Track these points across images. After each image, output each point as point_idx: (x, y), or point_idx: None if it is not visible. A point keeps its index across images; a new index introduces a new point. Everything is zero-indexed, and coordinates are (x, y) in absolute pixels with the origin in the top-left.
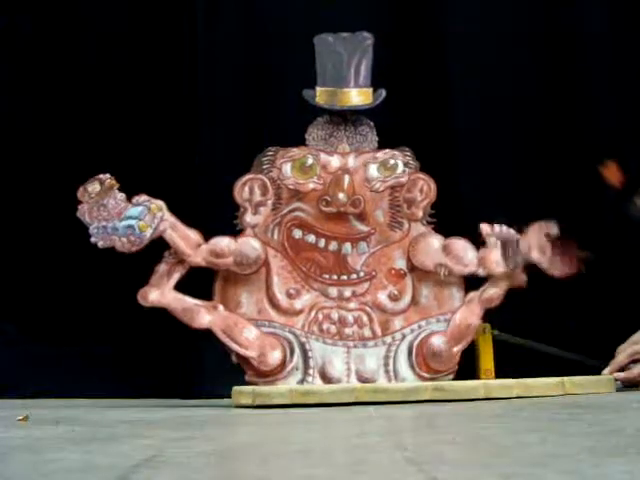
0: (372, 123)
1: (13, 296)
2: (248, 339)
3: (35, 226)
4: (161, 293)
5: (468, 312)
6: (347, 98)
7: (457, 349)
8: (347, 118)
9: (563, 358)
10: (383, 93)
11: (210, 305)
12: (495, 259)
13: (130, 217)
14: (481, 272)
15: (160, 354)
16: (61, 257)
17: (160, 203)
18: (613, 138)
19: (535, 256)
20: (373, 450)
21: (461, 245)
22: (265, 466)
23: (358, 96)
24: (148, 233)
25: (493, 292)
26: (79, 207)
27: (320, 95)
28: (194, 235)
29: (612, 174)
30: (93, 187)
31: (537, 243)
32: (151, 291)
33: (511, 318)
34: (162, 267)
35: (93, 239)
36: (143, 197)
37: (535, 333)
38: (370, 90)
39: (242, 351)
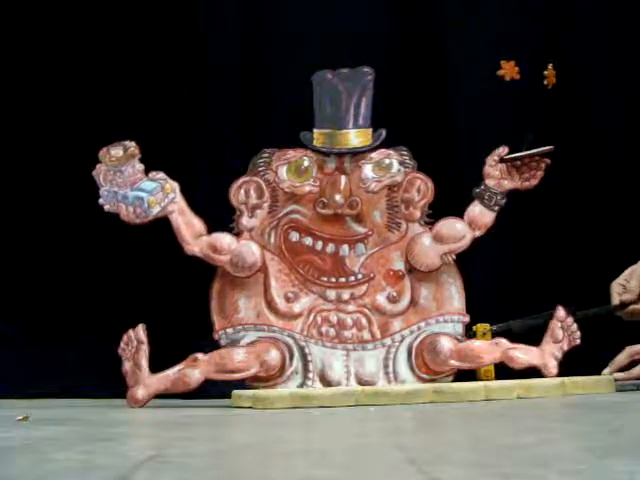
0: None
1: (13, 296)
2: (242, 362)
3: (35, 226)
4: (144, 387)
5: (487, 349)
6: (346, 140)
7: (454, 363)
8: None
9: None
10: (383, 133)
11: (190, 361)
12: (479, 212)
13: (142, 190)
14: (478, 233)
15: (160, 354)
16: (61, 257)
17: (175, 184)
18: (613, 137)
19: (507, 184)
20: (373, 450)
21: (448, 224)
22: (265, 466)
23: (357, 137)
24: (155, 210)
25: (518, 359)
26: (97, 166)
27: (317, 137)
28: (199, 225)
29: (508, 71)
30: (116, 151)
31: (499, 173)
32: (136, 391)
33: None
34: (127, 365)
35: (101, 201)
36: (160, 174)
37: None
38: (369, 130)
39: (247, 375)
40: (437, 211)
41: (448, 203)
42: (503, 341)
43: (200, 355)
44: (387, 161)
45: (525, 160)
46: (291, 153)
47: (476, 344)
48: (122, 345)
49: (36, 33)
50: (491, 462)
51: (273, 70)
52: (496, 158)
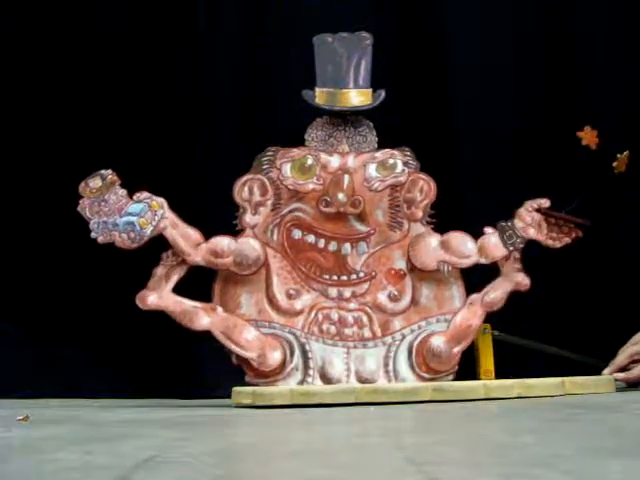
0: (371, 124)
1: (13, 296)
2: (247, 340)
3: (35, 226)
4: (159, 296)
5: (469, 313)
6: (346, 99)
7: (457, 350)
8: (346, 119)
9: (562, 357)
10: (382, 94)
11: (209, 307)
12: (494, 243)
13: (131, 214)
14: (483, 260)
15: (160, 354)
16: (61, 257)
17: (161, 200)
18: (614, 137)
19: (532, 233)
20: (373, 450)
21: (459, 238)
22: (265, 466)
23: (358, 97)
24: (148, 230)
25: (495, 295)
26: (80, 202)
27: (319, 96)
28: (194, 234)
29: (588, 137)
30: (95, 182)
31: (531, 220)
32: (149, 294)
33: (511, 319)
34: (160, 270)
35: (93, 234)
36: (144, 194)
37: (535, 334)
38: (369, 91)
39: (242, 352)
40: (437, 211)
41: (448, 203)
42: (473, 296)
43: (220, 309)
44: (391, 161)
45: (560, 222)
46: (295, 151)
47: (457, 319)
48: (168, 252)
49: (35, 33)
50: (491, 462)
51: (273, 70)
52: (535, 206)
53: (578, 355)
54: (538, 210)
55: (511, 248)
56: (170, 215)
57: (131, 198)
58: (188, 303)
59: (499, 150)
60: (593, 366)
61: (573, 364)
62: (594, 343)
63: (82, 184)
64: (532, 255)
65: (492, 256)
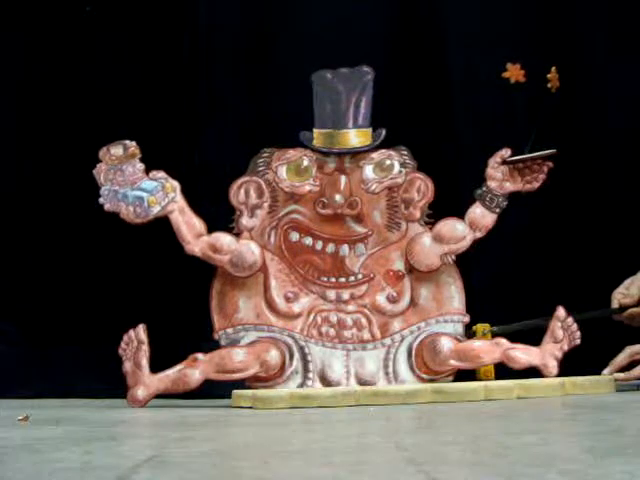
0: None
1: (13, 296)
2: (242, 361)
3: (35, 227)
4: (145, 387)
5: (487, 349)
6: (345, 140)
7: (454, 363)
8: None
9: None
10: (383, 133)
11: (190, 361)
12: (480, 214)
13: (143, 189)
14: (479, 234)
15: (160, 354)
16: (61, 257)
17: (175, 184)
18: (616, 140)
19: (509, 187)
20: (373, 450)
21: (448, 225)
22: (265, 466)
23: (357, 137)
24: (155, 209)
25: (520, 360)
26: (97, 165)
27: (317, 137)
28: (199, 225)
29: (514, 74)
30: (116, 150)
31: (501, 175)
32: (136, 391)
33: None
34: (127, 365)
35: (101, 200)
36: (161, 174)
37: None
38: (369, 130)
39: (246, 375)
40: (437, 211)
41: (448, 203)
42: (503, 341)
43: (200, 355)
44: (388, 162)
45: (528, 163)
46: (291, 153)
47: (476, 344)
48: (122, 345)
49: (38, 34)
50: (491, 462)
51: (273, 70)
52: (498, 160)
53: (579, 315)
54: (503, 162)
55: (497, 210)
56: (181, 200)
57: (148, 175)
58: (171, 373)
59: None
60: (606, 315)
61: (573, 363)
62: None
63: (103, 149)
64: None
65: (484, 225)
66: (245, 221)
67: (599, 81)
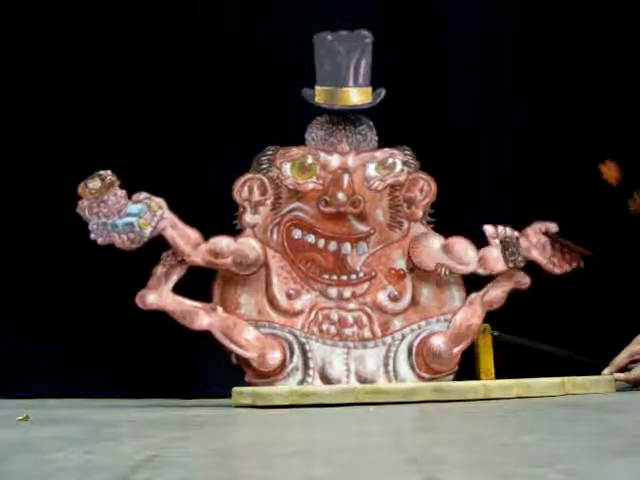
0: (371, 122)
1: (13, 296)
2: (247, 340)
3: (35, 227)
4: (159, 296)
5: (469, 313)
6: (346, 97)
7: (457, 350)
8: (346, 117)
9: (560, 357)
10: (382, 92)
11: (209, 307)
12: (495, 257)
13: (130, 214)
14: (481, 271)
15: (160, 354)
16: (61, 258)
17: (160, 201)
18: (613, 137)
19: (534, 255)
20: (373, 450)
21: (462, 244)
22: (265, 466)
23: (357, 95)
24: (148, 231)
25: (495, 294)
26: (79, 203)
27: (319, 94)
28: (194, 234)
29: (610, 172)
30: (94, 183)
31: (536, 242)
32: (149, 294)
33: (510, 318)
34: (159, 269)
35: (93, 235)
36: (143, 195)
37: (534, 333)
38: (369, 89)
39: (241, 352)
40: (439, 211)
41: (448, 203)
42: (472, 295)
43: (220, 309)
44: (391, 160)
45: (565, 249)
46: (294, 150)
47: (457, 319)
48: (168, 252)
49: (37, 34)
50: (491, 462)
51: (273, 70)
52: (544, 229)
53: (578, 355)
54: (545, 233)
55: (511, 265)
56: (169, 215)
57: (130, 199)
58: (188, 303)
59: (499, 150)
60: (592, 366)
61: (572, 364)
62: (594, 343)
63: (81, 185)
64: None
65: (491, 269)
66: (248, 218)
67: (599, 82)
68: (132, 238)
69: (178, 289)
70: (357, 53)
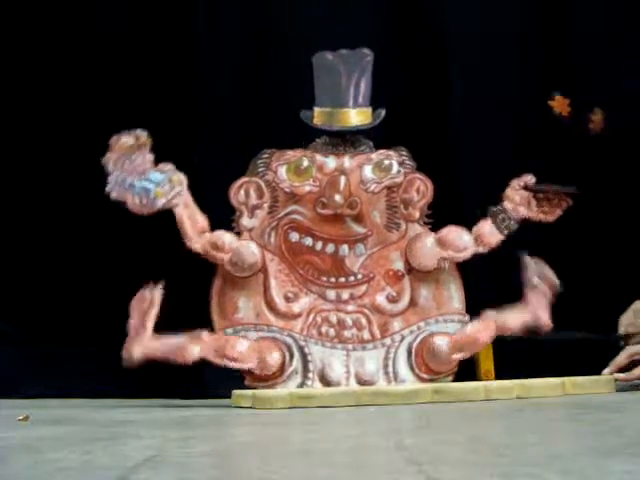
0: (371, 143)
1: (13, 296)
2: (242, 352)
3: (35, 227)
4: (143, 346)
5: (481, 327)
6: (346, 118)
7: (456, 356)
8: (346, 139)
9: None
10: (382, 112)
11: (194, 337)
12: (489, 231)
13: (150, 180)
14: (481, 249)
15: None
16: (61, 258)
17: (182, 177)
18: (613, 137)
19: (523, 212)
20: (373, 450)
21: (454, 233)
22: (265, 466)
23: (357, 116)
24: (160, 202)
25: (513, 324)
26: (107, 153)
27: (318, 116)
28: (202, 221)
29: (560, 106)
30: (127, 138)
31: (520, 199)
32: (133, 347)
33: None
34: (133, 321)
35: (108, 187)
36: (169, 166)
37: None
38: (369, 109)
39: (240, 366)
40: (436, 212)
41: (448, 203)
42: (488, 313)
43: (205, 334)
44: (387, 162)
45: (549, 194)
46: (290, 153)
47: (468, 329)
48: (135, 299)
49: (45, 29)
50: (491, 462)
51: (273, 70)
52: (521, 184)
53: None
54: (525, 187)
55: (506, 231)
56: (186, 194)
57: (156, 166)
58: (173, 340)
59: (499, 150)
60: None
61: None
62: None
63: (115, 137)
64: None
65: (489, 243)
66: (245, 221)
67: (599, 82)
68: (144, 203)
69: (177, 293)
70: (357, 72)
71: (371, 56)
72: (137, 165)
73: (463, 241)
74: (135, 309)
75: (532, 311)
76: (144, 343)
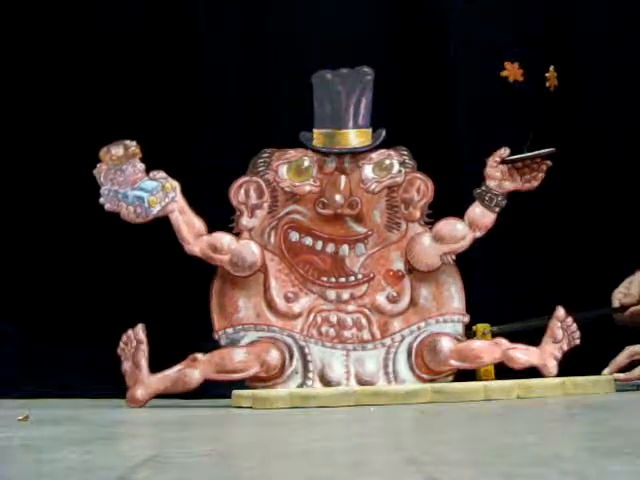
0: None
1: (13, 296)
2: (241, 361)
3: (35, 227)
4: (144, 387)
5: (488, 348)
6: (345, 140)
7: (455, 363)
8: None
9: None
10: (383, 133)
11: (189, 361)
12: (480, 213)
13: (143, 189)
14: (478, 234)
15: (160, 354)
16: (61, 257)
17: (175, 184)
18: (614, 138)
19: (509, 186)
20: (373, 450)
21: (448, 225)
22: (265, 466)
23: (357, 137)
24: (155, 210)
25: (521, 360)
26: (98, 165)
27: (317, 138)
28: (199, 224)
29: (513, 71)
30: (117, 150)
31: (500, 174)
32: (136, 391)
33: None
34: (126, 365)
35: (102, 200)
36: (161, 174)
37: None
38: (369, 130)
39: (244, 376)
40: (437, 211)
41: (448, 203)
42: (503, 341)
43: (200, 355)
44: (387, 162)
45: (527, 162)
46: (291, 153)
47: (476, 344)
48: (121, 345)
49: (38, 33)
50: (491, 462)
51: (273, 70)
52: (497, 159)
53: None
54: (502, 161)
55: (497, 209)
56: (180, 200)
57: (148, 174)
58: (171, 373)
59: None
60: (606, 314)
61: (573, 363)
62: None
63: (104, 149)
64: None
65: (484, 225)
66: (245, 221)
67: (599, 80)
68: (138, 212)
69: (176, 294)
70: (357, 92)
71: (371, 75)
72: (129, 175)
73: (458, 230)
74: (124, 354)
75: (543, 359)
76: (145, 383)
